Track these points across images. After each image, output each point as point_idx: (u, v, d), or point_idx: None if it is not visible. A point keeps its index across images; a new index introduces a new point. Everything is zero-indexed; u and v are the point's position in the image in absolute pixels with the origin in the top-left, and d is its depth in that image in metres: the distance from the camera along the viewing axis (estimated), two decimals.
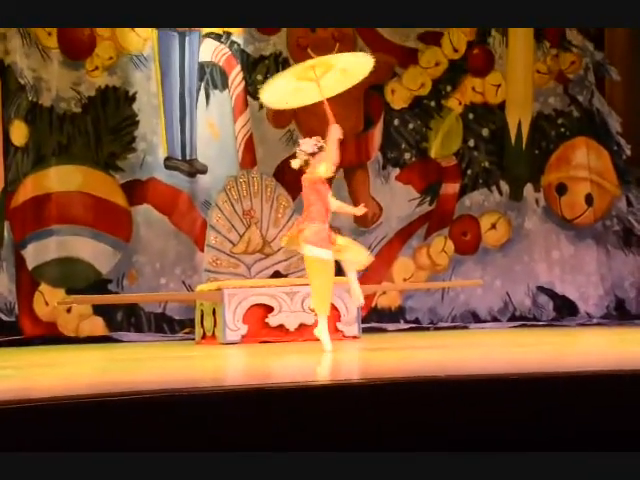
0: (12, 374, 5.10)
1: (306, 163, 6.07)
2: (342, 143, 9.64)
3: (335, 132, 6.13)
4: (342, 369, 4.99)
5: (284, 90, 6.31)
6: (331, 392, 3.54)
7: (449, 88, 9.49)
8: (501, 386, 3.51)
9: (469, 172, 9.65)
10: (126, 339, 8.70)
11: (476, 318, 9.54)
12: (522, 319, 9.55)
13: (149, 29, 8.91)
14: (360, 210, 6.35)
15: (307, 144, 6.10)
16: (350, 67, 6.36)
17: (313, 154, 6.06)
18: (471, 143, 9.62)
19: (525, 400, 3.39)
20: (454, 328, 9.32)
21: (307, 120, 9.34)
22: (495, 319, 9.55)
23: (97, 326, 8.74)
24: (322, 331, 6.07)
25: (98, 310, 8.74)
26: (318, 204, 6.03)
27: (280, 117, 9.20)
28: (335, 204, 6.20)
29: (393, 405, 3.39)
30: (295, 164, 6.11)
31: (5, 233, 8.56)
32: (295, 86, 6.26)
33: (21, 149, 8.60)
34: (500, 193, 9.70)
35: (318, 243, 5.98)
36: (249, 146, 9.26)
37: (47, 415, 3.13)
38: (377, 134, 9.47)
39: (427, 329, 9.33)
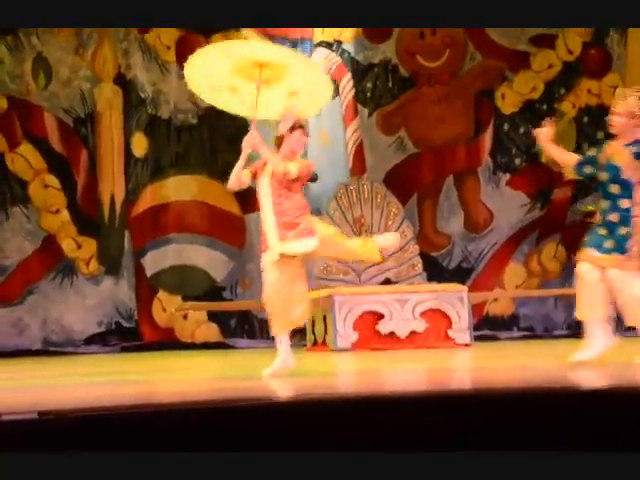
0: (135, 379, 5.30)
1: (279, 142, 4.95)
2: (453, 148, 9.91)
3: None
4: (454, 378, 4.94)
5: (213, 78, 5.04)
6: (442, 401, 3.50)
7: (562, 91, 9.35)
8: (624, 399, 3.43)
9: None
10: (240, 345, 8.89)
11: None
12: None
13: (263, 40, 9.12)
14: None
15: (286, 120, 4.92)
16: (301, 93, 5.05)
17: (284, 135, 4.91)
18: (585, 147, 9.40)
19: None
20: (570, 336, 9.12)
21: (417, 127, 9.37)
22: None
23: (212, 332, 8.97)
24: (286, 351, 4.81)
25: (213, 317, 8.98)
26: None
27: (390, 124, 9.27)
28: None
29: (506, 416, 3.35)
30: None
31: (125, 242, 8.91)
32: (228, 81, 5.00)
33: (141, 160, 8.95)
34: None
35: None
36: (359, 153, 9.34)
37: (170, 419, 3.24)
38: (487, 139, 9.40)
39: (541, 337, 9.17)
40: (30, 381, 5.48)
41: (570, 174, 5.26)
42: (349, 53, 9.29)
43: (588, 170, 5.02)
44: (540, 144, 5.11)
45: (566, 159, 5.13)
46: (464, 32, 9.27)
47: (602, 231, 4.98)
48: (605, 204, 4.97)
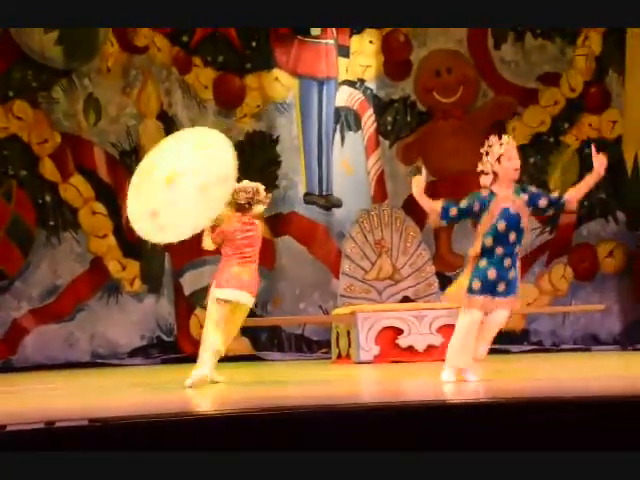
0: (174, 388, 5.77)
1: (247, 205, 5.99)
2: (466, 177, 10.34)
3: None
4: (469, 388, 5.10)
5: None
6: (458, 409, 3.80)
7: (566, 125, 9.88)
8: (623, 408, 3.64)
9: (585, 203, 10.00)
10: (269, 358, 9.47)
11: (597, 341, 9.84)
12: None
13: (292, 79, 9.78)
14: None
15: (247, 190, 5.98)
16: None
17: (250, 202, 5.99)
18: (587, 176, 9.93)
19: None
20: (576, 350, 9.60)
21: (434, 158, 9.94)
22: (617, 342, 9.81)
23: (244, 346, 9.50)
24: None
25: (245, 331, 9.57)
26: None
27: (408, 155, 9.86)
28: None
29: (515, 424, 3.57)
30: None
31: (166, 263, 9.57)
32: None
33: None
34: (616, 222, 10.00)
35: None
36: (380, 181, 9.93)
37: (207, 427, 3.48)
38: None
39: (549, 351, 9.62)
40: (80, 390, 5.95)
41: (435, 222, 5.25)
42: (371, 90, 9.88)
43: (452, 213, 5.11)
44: (413, 193, 5.16)
45: (433, 206, 5.14)
46: (476, 72, 9.88)
47: (492, 275, 5.07)
48: (500, 250, 5.05)
